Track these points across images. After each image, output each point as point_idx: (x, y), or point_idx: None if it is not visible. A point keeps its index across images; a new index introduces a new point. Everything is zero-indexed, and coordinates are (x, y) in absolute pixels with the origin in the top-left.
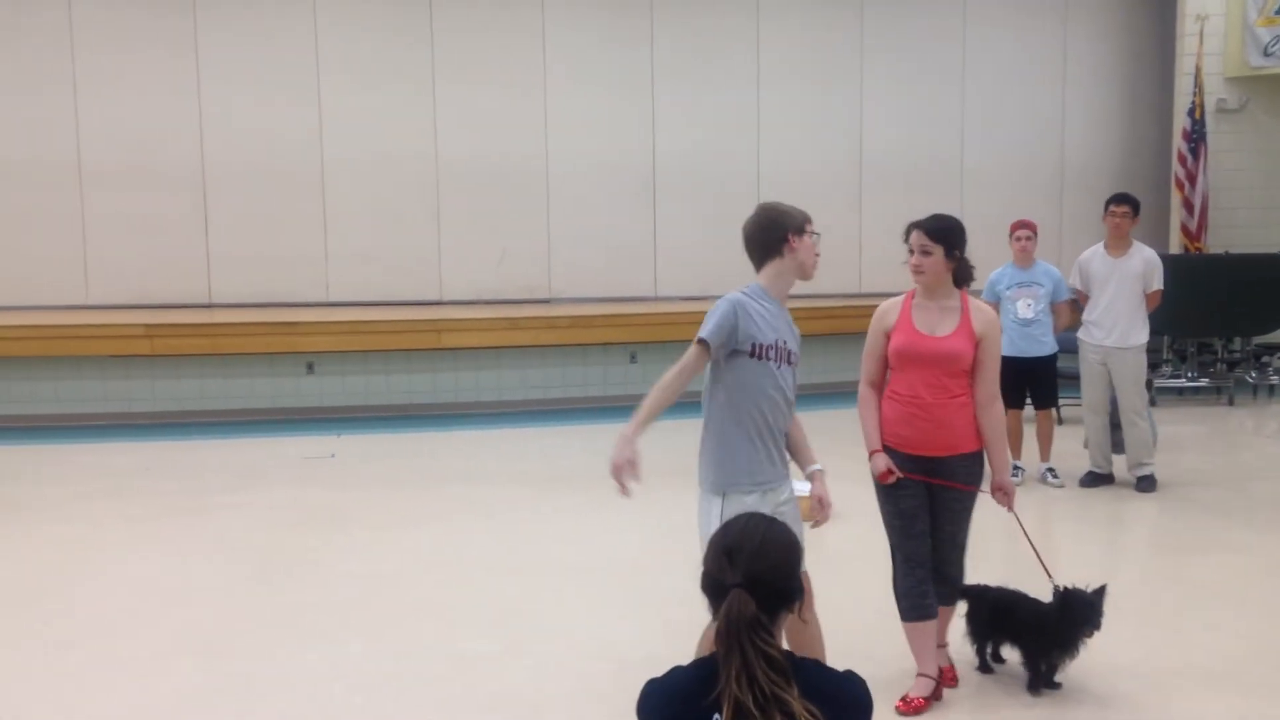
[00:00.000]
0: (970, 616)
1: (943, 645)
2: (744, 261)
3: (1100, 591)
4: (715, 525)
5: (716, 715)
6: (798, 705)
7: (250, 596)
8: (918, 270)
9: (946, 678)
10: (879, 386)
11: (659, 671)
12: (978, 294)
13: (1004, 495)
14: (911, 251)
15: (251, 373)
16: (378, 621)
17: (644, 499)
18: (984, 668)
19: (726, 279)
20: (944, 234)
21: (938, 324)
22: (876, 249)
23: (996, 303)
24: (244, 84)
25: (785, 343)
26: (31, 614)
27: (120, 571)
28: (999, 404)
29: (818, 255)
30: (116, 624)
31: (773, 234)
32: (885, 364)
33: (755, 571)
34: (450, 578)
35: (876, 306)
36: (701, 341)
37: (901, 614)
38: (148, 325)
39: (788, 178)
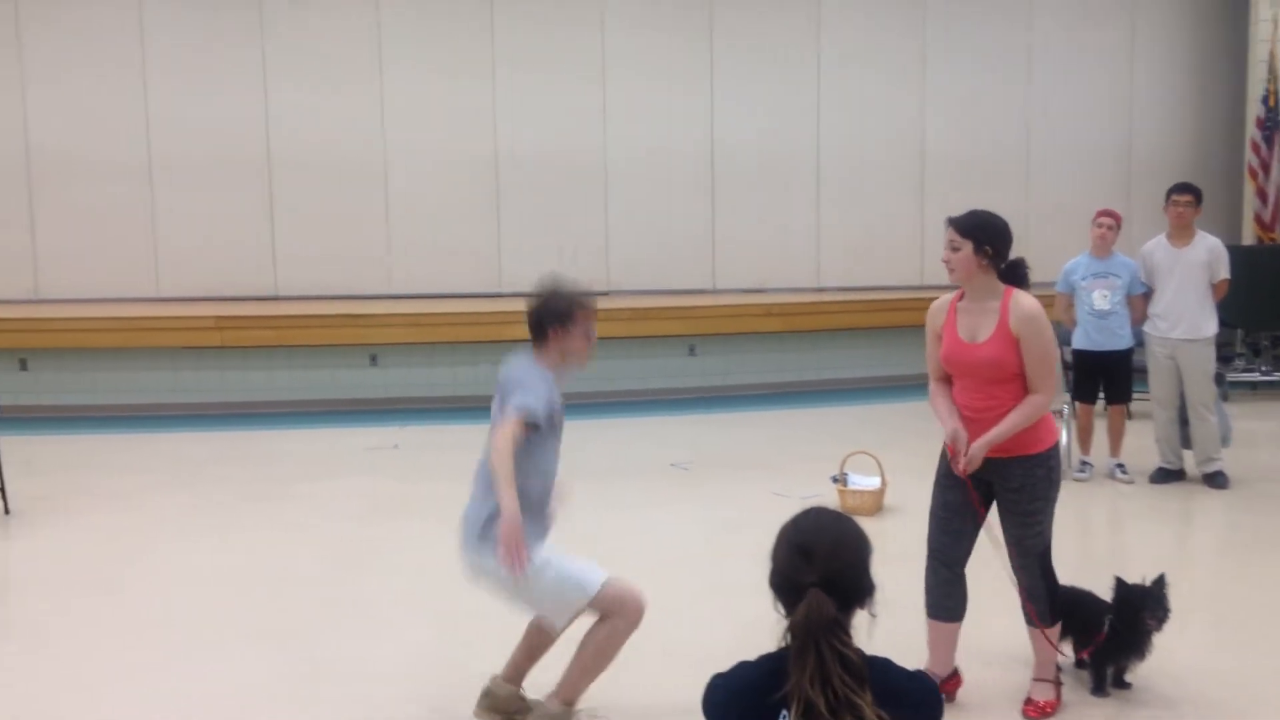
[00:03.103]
0: None
1: (1044, 679)
2: (803, 253)
3: (1160, 581)
4: (556, 567)
5: (784, 712)
6: (870, 712)
7: (318, 585)
8: (947, 266)
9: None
10: (946, 379)
11: (727, 665)
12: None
13: (953, 450)
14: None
15: (317, 364)
16: (444, 612)
17: (702, 492)
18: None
19: (784, 270)
20: (972, 228)
21: (978, 328)
22: (939, 241)
23: (1071, 294)
24: (308, 77)
25: (557, 410)
26: (104, 601)
27: (189, 560)
28: (1041, 396)
29: (591, 342)
30: (186, 612)
31: (538, 323)
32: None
33: (832, 570)
34: None
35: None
36: (525, 422)
37: (926, 609)
38: (217, 317)
39: (848, 168)
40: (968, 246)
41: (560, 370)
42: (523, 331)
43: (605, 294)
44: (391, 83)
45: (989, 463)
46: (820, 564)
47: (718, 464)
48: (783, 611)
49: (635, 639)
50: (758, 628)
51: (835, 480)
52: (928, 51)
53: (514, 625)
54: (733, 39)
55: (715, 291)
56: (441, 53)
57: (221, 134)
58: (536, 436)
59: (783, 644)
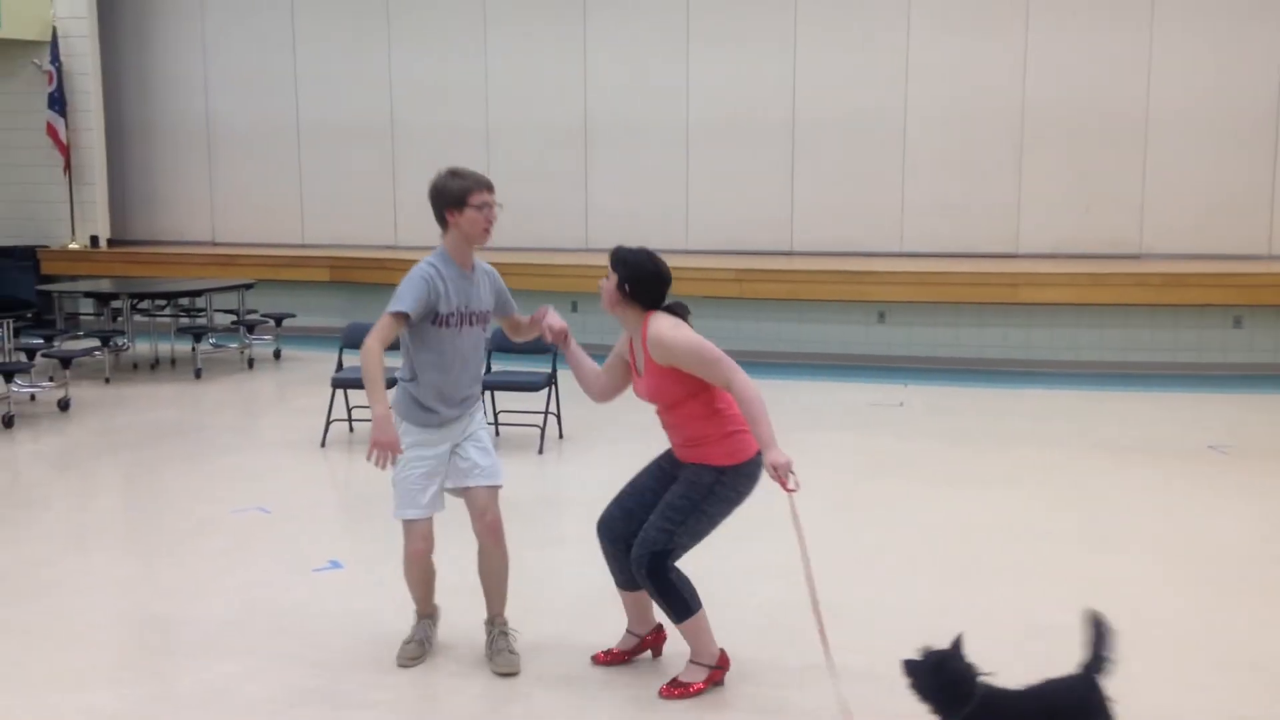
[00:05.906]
0: None
1: (699, 663)
2: None
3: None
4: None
5: None
6: None
7: (823, 534)
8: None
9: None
10: (612, 376)
11: None
12: None
13: (774, 471)
14: None
15: (825, 319)
16: (945, 574)
17: (1247, 481)
18: None
19: None
20: (618, 263)
21: (640, 363)
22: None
23: None
24: (835, 39)
25: (468, 306)
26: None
27: None
28: (735, 388)
29: (490, 222)
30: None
31: (435, 208)
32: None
33: None
34: (1018, 541)
35: None
36: (400, 314)
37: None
38: (738, 270)
39: None
40: (613, 279)
41: (465, 254)
42: (1039, 294)
43: (1136, 257)
44: (916, 39)
45: None
46: None
47: (1267, 451)
48: None
49: (1164, 628)
50: None
51: None
52: None
53: (1023, 598)
54: None
55: (1270, 258)
56: (969, 6)
57: (751, 97)
58: (428, 331)
59: None
